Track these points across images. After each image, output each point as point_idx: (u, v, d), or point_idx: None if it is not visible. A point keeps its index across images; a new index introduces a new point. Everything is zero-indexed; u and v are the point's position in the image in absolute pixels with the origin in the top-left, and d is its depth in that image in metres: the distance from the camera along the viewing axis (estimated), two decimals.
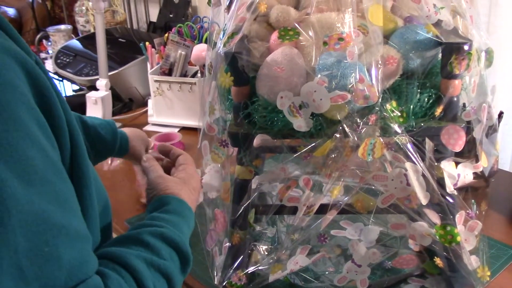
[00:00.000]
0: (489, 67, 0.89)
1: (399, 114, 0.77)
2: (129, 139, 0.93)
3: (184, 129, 1.56)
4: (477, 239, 0.82)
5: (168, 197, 0.70)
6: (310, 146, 0.78)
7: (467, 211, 0.80)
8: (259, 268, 0.90)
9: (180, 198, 0.70)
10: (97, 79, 1.62)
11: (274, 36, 0.82)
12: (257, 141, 0.80)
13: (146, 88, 1.69)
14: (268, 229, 1.02)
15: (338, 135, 0.76)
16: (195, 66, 1.55)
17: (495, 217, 1.11)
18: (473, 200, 0.86)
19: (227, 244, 0.89)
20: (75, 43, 2.05)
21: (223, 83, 0.79)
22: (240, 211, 0.85)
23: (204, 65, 1.51)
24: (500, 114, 1.18)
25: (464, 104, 0.87)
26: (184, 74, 1.55)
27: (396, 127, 0.76)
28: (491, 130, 0.91)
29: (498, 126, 1.18)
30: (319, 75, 0.74)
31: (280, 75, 0.77)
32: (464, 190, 0.85)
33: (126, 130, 0.95)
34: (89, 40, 1.99)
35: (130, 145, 0.93)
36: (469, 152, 0.85)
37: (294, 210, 0.84)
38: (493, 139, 0.91)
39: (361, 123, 0.76)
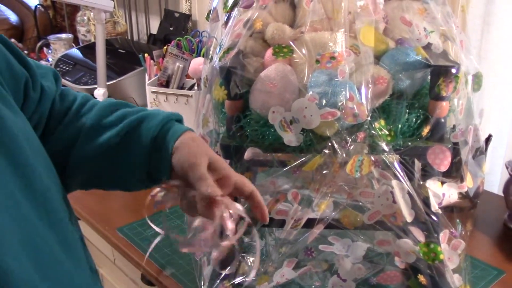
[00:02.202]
0: (478, 91, 0.92)
1: (387, 132, 0.79)
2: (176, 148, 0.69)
3: None
4: (460, 258, 0.83)
5: None
6: (299, 161, 0.80)
7: (451, 230, 0.81)
8: (246, 279, 0.91)
9: None
10: (95, 88, 1.64)
11: (269, 52, 0.84)
12: (248, 154, 0.81)
13: (143, 99, 1.71)
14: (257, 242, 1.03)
15: (327, 151, 0.78)
16: (193, 79, 1.57)
17: (482, 238, 1.13)
18: (458, 220, 0.88)
19: (215, 253, 0.90)
20: (75, 52, 2.08)
21: (217, 96, 0.81)
22: None
23: (201, 79, 1.53)
24: (489, 137, 1.20)
25: (454, 126, 0.89)
26: (181, 87, 1.57)
27: (384, 145, 0.78)
28: (478, 152, 0.93)
29: (487, 149, 1.20)
30: (311, 92, 0.77)
31: (273, 90, 0.79)
32: (450, 209, 0.87)
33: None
34: (89, 49, 2.02)
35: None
36: (457, 173, 0.87)
37: (282, 223, 0.85)
38: (479, 161, 0.93)
39: (350, 140, 0.78)
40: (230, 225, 0.62)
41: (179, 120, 0.75)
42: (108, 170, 0.73)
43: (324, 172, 0.80)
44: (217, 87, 0.81)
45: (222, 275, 0.89)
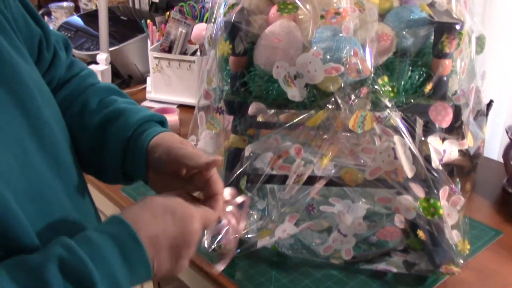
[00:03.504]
0: (480, 53, 0.92)
1: (390, 89, 0.80)
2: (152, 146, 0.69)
3: (181, 107, 1.58)
4: (459, 215, 0.85)
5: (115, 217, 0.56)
6: (302, 116, 0.81)
7: (451, 185, 0.82)
8: (248, 236, 0.93)
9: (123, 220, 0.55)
10: (98, 54, 1.64)
11: (273, 9, 0.84)
12: (252, 109, 0.82)
13: (146, 65, 1.71)
14: (259, 202, 1.05)
15: (330, 106, 0.79)
16: (195, 45, 1.57)
17: (481, 202, 1.15)
18: (458, 179, 0.89)
19: None
20: (76, 19, 2.06)
21: (221, 51, 0.82)
22: (232, 178, 0.88)
23: (203, 44, 1.53)
24: (490, 103, 1.21)
25: (456, 91, 0.90)
26: (183, 52, 1.58)
27: (386, 102, 0.79)
28: (480, 114, 0.94)
29: (488, 114, 1.21)
30: (315, 47, 0.77)
31: (278, 45, 0.79)
32: (450, 170, 0.88)
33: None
34: (90, 17, 2.01)
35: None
36: (458, 132, 0.88)
37: (284, 180, 0.86)
38: (480, 122, 0.94)
39: (353, 96, 0.78)
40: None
41: (162, 122, 0.75)
42: (87, 152, 0.74)
43: (326, 128, 0.81)
44: (222, 42, 0.82)
45: (225, 230, 0.90)
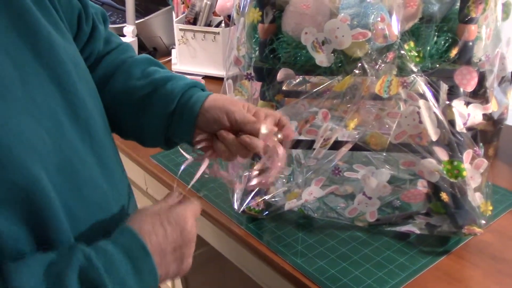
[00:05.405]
0: (506, 20, 0.93)
1: (416, 54, 0.82)
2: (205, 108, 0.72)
3: (206, 78, 1.61)
4: (482, 178, 0.87)
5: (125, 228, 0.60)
6: (330, 82, 0.83)
7: (475, 149, 0.84)
8: (276, 199, 0.96)
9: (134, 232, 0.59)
10: (124, 27, 1.68)
11: None
12: (280, 75, 0.85)
13: (171, 38, 1.74)
14: (284, 169, 1.08)
15: (357, 72, 0.81)
16: (220, 16, 1.60)
17: (504, 168, 1.16)
18: (481, 144, 0.91)
19: (247, 173, 0.95)
20: None
21: (251, 17, 0.84)
22: None
23: (228, 16, 1.55)
24: None
25: (481, 59, 0.91)
26: (208, 24, 1.60)
27: (412, 67, 0.81)
28: (504, 80, 0.95)
29: None
30: (342, 13, 0.79)
31: (306, 12, 0.81)
32: (474, 134, 0.90)
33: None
34: None
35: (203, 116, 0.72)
36: (482, 97, 0.89)
37: (311, 145, 0.89)
38: (505, 88, 0.95)
39: (380, 61, 0.80)
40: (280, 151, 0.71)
41: (203, 89, 0.78)
42: (130, 118, 0.76)
43: (353, 93, 0.83)
44: (251, 9, 0.84)
45: (254, 192, 0.94)
